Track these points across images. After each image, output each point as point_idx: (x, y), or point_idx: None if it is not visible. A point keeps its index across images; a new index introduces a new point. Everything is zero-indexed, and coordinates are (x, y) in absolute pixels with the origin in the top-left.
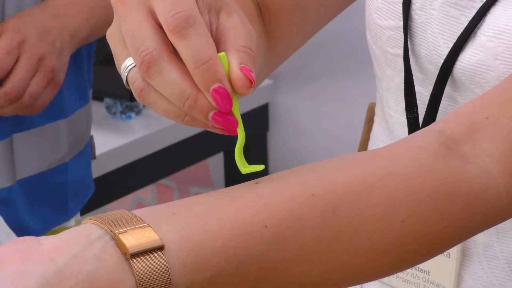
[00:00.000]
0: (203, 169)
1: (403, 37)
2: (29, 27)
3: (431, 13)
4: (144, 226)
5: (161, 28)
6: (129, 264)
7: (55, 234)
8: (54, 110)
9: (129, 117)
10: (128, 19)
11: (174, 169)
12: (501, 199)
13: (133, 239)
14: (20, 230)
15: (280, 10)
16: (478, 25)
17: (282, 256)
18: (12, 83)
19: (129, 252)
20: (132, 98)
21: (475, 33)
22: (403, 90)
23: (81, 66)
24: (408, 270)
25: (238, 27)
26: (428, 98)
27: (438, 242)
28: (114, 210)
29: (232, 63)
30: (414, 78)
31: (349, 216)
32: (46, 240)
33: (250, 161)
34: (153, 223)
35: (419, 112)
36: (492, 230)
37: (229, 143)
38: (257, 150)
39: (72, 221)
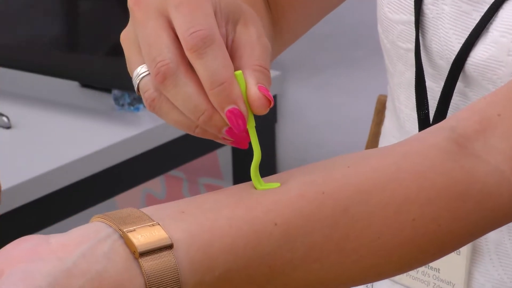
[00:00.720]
0: (212, 160)
1: (414, 32)
2: None
3: (443, 8)
4: (153, 225)
5: (179, 39)
6: (138, 263)
7: None
8: None
9: (137, 109)
10: (146, 27)
11: (182, 161)
12: None
13: (142, 237)
14: None
15: None
16: (491, 20)
17: (291, 254)
18: None
19: (138, 251)
20: None
21: (488, 28)
22: (414, 85)
23: None
24: (418, 268)
25: (254, 43)
26: (439, 93)
27: (449, 240)
28: (123, 208)
29: (250, 82)
30: (425, 73)
31: (359, 215)
32: (54, 239)
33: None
34: (162, 221)
35: (430, 107)
36: (504, 227)
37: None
38: (265, 142)
39: None
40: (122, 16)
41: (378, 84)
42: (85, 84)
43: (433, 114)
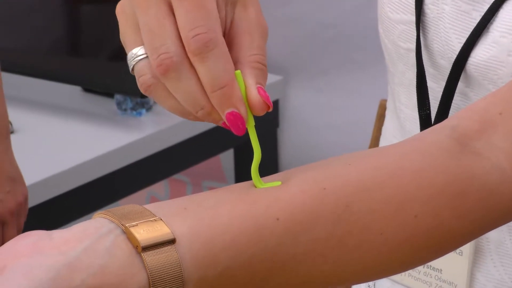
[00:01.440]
0: (216, 164)
1: (415, 31)
2: None
3: (443, 8)
4: (155, 220)
5: None
6: (141, 257)
7: None
8: None
9: (140, 114)
10: (147, 12)
11: (184, 166)
12: None
13: (144, 232)
14: None
15: None
16: (491, 20)
17: (294, 250)
18: None
19: (141, 245)
20: (143, 95)
21: (488, 28)
22: (415, 85)
23: None
24: (420, 269)
25: (253, 27)
26: (439, 93)
27: (450, 238)
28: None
29: (249, 83)
30: (426, 73)
31: (361, 211)
32: (57, 234)
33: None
34: (164, 217)
35: (431, 107)
36: (504, 227)
37: (239, 139)
38: (267, 147)
39: None
40: None
41: (380, 88)
42: (87, 89)
43: (434, 114)
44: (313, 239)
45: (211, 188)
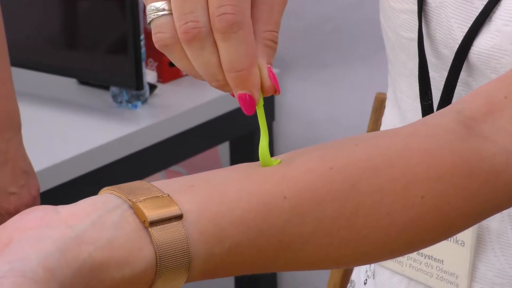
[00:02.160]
0: (213, 155)
1: (417, 21)
2: None
3: None
4: (162, 196)
5: None
6: (148, 232)
7: None
8: None
9: (135, 106)
10: None
11: (180, 158)
12: None
13: (152, 207)
14: None
15: None
16: (494, 9)
17: (301, 229)
18: None
19: (148, 220)
20: (138, 87)
21: (491, 17)
22: (416, 75)
23: None
24: (421, 259)
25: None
26: (441, 83)
27: (457, 219)
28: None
29: (261, 64)
30: (428, 63)
31: (368, 190)
32: (64, 208)
33: (256, 148)
34: (172, 193)
35: (433, 97)
36: (506, 217)
37: (235, 132)
38: None
39: None
40: (120, 14)
41: (377, 81)
42: (83, 81)
43: (436, 104)
44: (320, 218)
45: None
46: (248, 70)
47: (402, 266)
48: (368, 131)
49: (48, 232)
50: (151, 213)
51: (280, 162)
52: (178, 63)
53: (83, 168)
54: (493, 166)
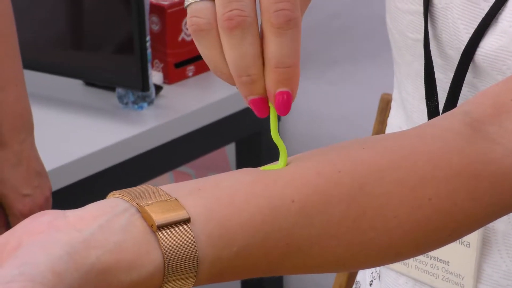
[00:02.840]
0: (221, 155)
1: (423, 22)
2: None
3: None
4: (170, 199)
5: None
6: (156, 236)
7: None
8: None
9: (141, 107)
10: None
11: (185, 160)
12: None
13: (160, 211)
14: None
15: None
16: (500, 10)
17: (308, 231)
18: None
19: (156, 224)
20: (144, 88)
21: (497, 18)
22: (422, 76)
23: None
24: (427, 260)
25: None
26: (447, 84)
27: (464, 221)
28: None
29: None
30: (434, 64)
31: (376, 193)
32: (71, 213)
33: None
34: (179, 197)
35: (438, 99)
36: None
37: (241, 133)
38: (268, 138)
39: None
40: (126, 15)
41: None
42: (89, 83)
43: (442, 106)
44: (327, 221)
45: None
46: (296, 67)
47: (408, 267)
48: (374, 132)
49: (56, 236)
50: (159, 217)
51: (274, 166)
52: (206, 52)
53: (89, 170)
54: (500, 168)
